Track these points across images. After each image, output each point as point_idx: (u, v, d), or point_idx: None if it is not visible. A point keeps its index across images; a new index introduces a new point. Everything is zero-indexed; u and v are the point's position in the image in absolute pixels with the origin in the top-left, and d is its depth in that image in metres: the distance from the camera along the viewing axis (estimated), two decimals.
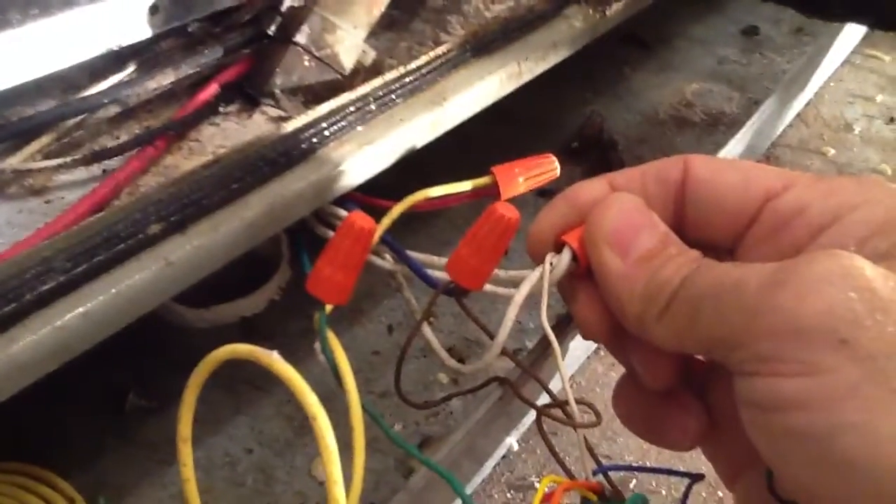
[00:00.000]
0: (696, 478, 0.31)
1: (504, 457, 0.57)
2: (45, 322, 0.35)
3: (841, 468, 0.21)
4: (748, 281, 0.24)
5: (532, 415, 0.56)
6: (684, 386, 0.30)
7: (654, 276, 0.26)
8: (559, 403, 0.38)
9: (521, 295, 0.33)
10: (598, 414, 0.36)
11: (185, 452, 0.31)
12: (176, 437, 0.31)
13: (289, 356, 0.41)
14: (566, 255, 0.30)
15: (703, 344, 0.25)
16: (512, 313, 0.34)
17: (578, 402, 0.34)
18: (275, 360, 0.28)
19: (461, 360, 0.59)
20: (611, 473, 0.35)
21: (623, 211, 0.28)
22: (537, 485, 0.50)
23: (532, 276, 0.32)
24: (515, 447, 0.57)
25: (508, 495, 0.50)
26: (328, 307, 0.37)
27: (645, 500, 0.30)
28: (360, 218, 0.36)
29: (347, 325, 0.60)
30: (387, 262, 0.50)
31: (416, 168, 0.53)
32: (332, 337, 0.38)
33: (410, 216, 0.46)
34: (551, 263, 0.30)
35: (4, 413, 0.55)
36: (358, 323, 0.62)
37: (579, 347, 0.66)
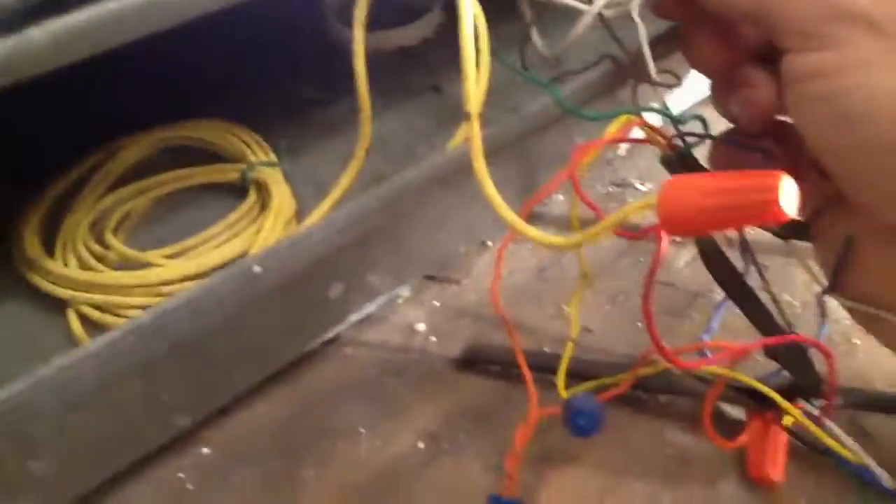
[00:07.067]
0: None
1: (608, 161, 0.63)
2: None
3: (847, 122, 0.26)
4: None
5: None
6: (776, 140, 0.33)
7: None
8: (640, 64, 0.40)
9: None
10: (677, 77, 0.41)
11: None
12: None
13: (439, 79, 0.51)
14: None
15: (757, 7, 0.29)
16: None
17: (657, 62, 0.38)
18: None
19: None
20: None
21: None
22: (637, 184, 0.57)
23: None
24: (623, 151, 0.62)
25: (610, 189, 0.57)
26: None
27: (703, 119, 0.35)
28: None
29: None
30: None
31: None
32: None
33: None
34: None
35: None
36: None
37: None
